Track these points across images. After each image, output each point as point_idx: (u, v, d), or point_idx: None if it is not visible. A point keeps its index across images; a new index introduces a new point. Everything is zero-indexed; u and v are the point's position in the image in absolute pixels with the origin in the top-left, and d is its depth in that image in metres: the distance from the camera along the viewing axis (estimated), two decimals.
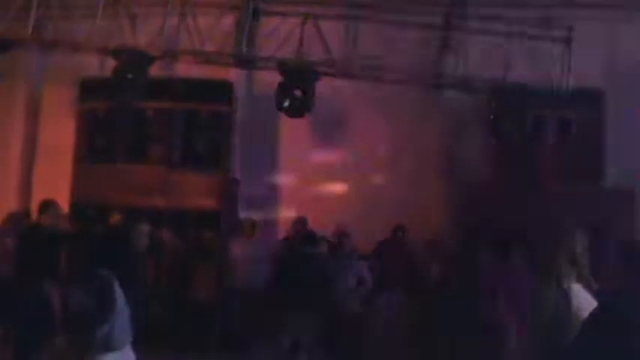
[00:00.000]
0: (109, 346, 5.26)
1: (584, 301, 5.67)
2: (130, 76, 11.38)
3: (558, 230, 6.15)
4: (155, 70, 12.24)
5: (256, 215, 11.94)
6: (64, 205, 12.07)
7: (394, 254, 11.36)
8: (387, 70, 11.39)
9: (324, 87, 11.37)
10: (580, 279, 5.95)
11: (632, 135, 12.64)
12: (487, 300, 10.72)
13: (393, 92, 11.76)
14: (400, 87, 11.60)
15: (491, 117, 11.36)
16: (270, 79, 11.57)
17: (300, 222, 11.59)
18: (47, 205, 8.67)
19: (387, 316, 11.40)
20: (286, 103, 11.21)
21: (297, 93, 11.21)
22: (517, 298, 10.65)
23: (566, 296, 5.75)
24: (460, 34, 11.08)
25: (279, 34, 11.22)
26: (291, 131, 12.38)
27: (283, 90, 11.27)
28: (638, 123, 12.83)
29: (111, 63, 11.53)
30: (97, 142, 12.75)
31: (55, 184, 12.53)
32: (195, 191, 12.09)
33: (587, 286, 5.90)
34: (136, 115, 12.48)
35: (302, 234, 10.18)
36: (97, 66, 12.50)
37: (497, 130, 11.37)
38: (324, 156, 12.59)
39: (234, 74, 12.67)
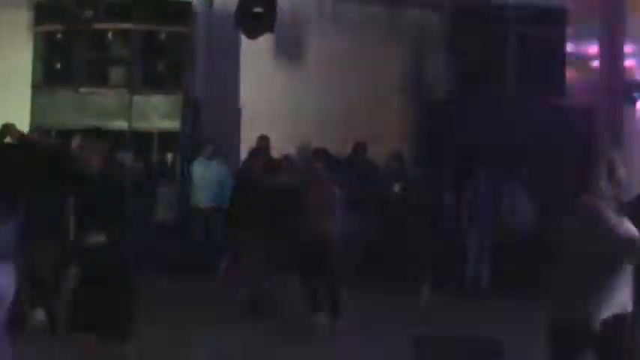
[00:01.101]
0: None
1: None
2: None
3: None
4: None
5: (218, 136, 11.87)
6: (24, 131, 11.92)
7: (356, 171, 11.39)
8: None
9: (286, 5, 11.26)
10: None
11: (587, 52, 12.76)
12: (450, 213, 10.88)
13: (355, 10, 11.65)
14: (362, 5, 11.50)
15: (453, 34, 11.35)
16: None
17: (263, 140, 11.57)
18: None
19: (350, 232, 11.47)
20: (247, 23, 11.07)
21: (258, 12, 11.06)
22: (480, 213, 10.85)
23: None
24: None
25: None
26: (253, 51, 12.21)
27: (243, 9, 11.12)
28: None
29: None
30: (55, 67, 12.50)
31: (14, 109, 12.28)
32: (157, 113, 11.96)
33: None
34: (94, 37, 12.22)
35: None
36: None
37: (459, 46, 11.38)
38: (285, 75, 12.47)
39: None
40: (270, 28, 11.15)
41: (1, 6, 12.80)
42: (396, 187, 11.10)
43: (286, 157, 11.26)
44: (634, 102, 13.36)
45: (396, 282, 10.93)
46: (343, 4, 11.82)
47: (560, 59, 12.06)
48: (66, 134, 11.55)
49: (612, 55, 13.10)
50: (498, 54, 11.73)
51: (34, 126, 11.94)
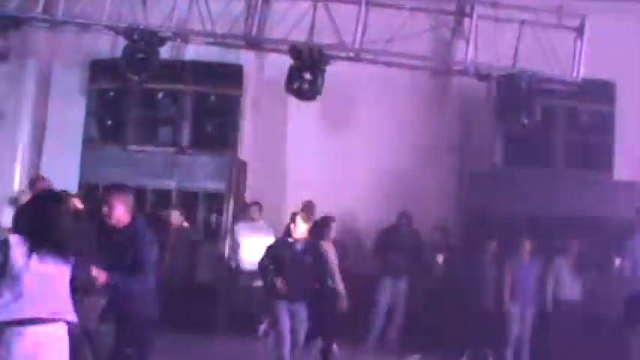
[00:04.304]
0: None
1: None
2: (140, 56, 11.40)
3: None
4: (166, 52, 12.31)
5: (263, 198, 11.93)
6: (73, 187, 12.15)
7: (399, 241, 11.37)
8: (397, 55, 11.37)
9: (334, 71, 11.35)
10: None
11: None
12: (492, 288, 10.75)
13: (403, 77, 11.72)
14: (410, 72, 11.57)
15: (501, 104, 11.34)
16: (280, 63, 11.55)
17: (308, 206, 11.61)
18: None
19: (391, 303, 11.42)
20: (296, 86, 11.20)
21: (307, 76, 11.19)
22: (523, 286, 10.70)
23: None
24: (471, 20, 11.02)
25: (291, 17, 11.21)
26: (300, 115, 12.34)
27: (293, 73, 11.27)
28: None
29: (122, 43, 11.55)
30: (107, 124, 12.79)
31: (64, 165, 12.55)
32: (204, 174, 12.11)
33: None
34: (146, 96, 12.50)
35: None
36: (108, 46, 12.53)
37: (506, 117, 11.35)
38: (332, 140, 12.54)
39: (244, 58, 12.67)
40: (318, 93, 11.27)
41: (58, 64, 13.17)
42: (439, 258, 11.07)
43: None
44: None
45: (434, 353, 10.84)
46: (391, 71, 11.88)
47: (606, 133, 11.97)
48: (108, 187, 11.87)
49: None
50: (547, 126, 11.70)
51: (83, 181, 12.22)
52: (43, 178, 9.15)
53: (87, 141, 12.66)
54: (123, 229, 6.15)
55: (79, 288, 5.57)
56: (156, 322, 6.40)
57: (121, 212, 6.13)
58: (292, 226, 8.78)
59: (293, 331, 8.68)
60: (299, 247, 8.71)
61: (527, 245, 10.79)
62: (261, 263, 8.84)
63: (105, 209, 6.18)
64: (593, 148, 11.86)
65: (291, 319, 8.66)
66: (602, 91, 11.96)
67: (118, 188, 6.35)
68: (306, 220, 8.90)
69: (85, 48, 12.76)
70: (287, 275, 8.55)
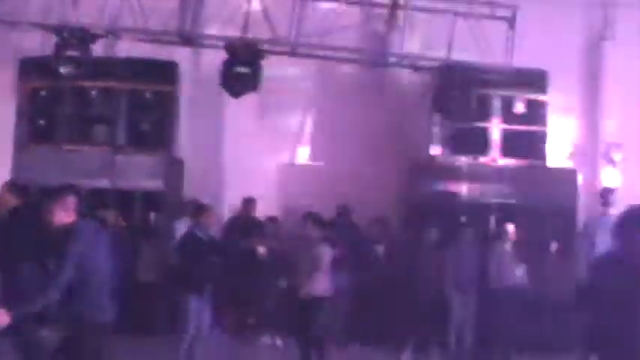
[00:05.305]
0: None
1: None
2: (72, 53, 11.18)
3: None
4: (99, 49, 12.09)
5: (202, 195, 11.82)
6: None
7: (338, 235, 11.36)
8: (332, 49, 11.38)
9: (270, 65, 11.31)
10: None
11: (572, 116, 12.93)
12: (433, 277, 10.85)
13: (339, 70, 11.76)
14: (346, 65, 11.60)
15: (438, 94, 11.45)
16: (217, 59, 11.46)
17: (249, 202, 11.56)
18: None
19: (334, 297, 11.41)
20: (232, 82, 11.12)
21: (243, 71, 11.12)
22: (464, 273, 10.83)
23: None
24: (405, 12, 11.10)
25: (225, 13, 11.13)
26: (237, 111, 12.26)
27: (227, 68, 11.17)
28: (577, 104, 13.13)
29: (53, 40, 11.31)
30: (39, 123, 12.46)
31: None
32: (140, 172, 11.91)
33: None
34: (79, 95, 12.24)
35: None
36: (37, 43, 12.24)
37: (442, 107, 11.47)
38: (269, 135, 12.51)
39: (180, 54, 12.53)
40: (254, 89, 11.21)
41: None
42: (380, 250, 11.11)
43: (272, 219, 11.35)
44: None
45: (378, 345, 10.89)
46: (327, 64, 11.90)
47: (540, 121, 12.18)
48: (47, 192, 11.61)
49: (591, 115, 13.28)
50: (482, 115, 11.86)
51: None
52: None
53: (18, 142, 12.31)
54: (62, 227, 5.88)
55: None
56: (109, 328, 6.11)
57: (60, 216, 5.87)
58: (201, 218, 8.92)
59: (200, 325, 8.83)
60: (206, 240, 8.87)
61: (466, 233, 10.92)
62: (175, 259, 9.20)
63: (44, 215, 5.97)
64: (528, 136, 12.05)
65: (200, 313, 8.80)
66: (534, 80, 12.14)
67: (56, 192, 6.03)
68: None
69: (14, 45, 12.45)
70: (196, 269, 8.73)
